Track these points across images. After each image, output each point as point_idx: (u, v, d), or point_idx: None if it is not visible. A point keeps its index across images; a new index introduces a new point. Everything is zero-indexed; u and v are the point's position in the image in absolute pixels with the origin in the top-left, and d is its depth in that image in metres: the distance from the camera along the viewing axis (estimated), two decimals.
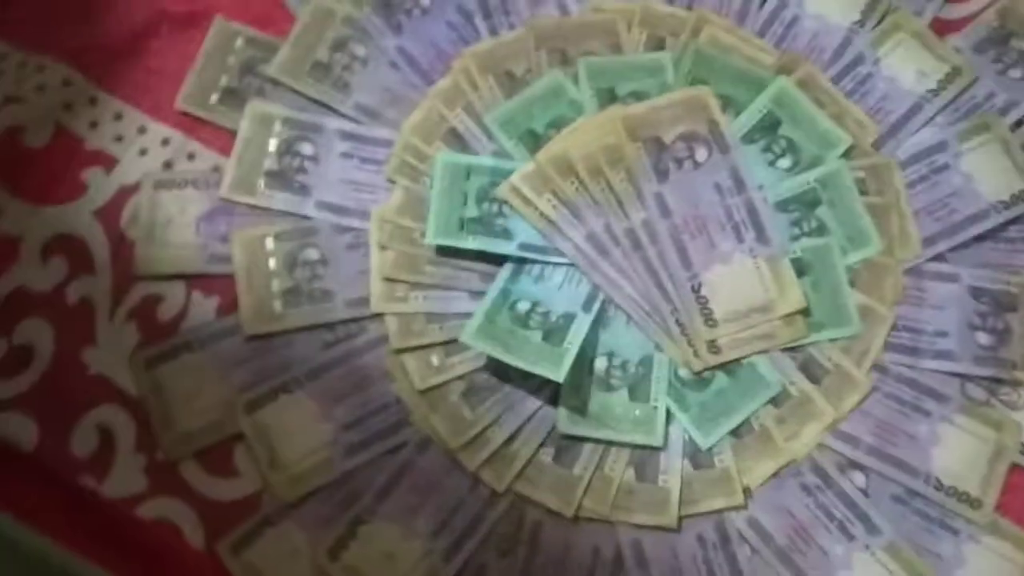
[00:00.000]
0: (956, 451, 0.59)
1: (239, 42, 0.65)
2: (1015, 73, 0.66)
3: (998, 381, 0.60)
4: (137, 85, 0.64)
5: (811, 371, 0.60)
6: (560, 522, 0.58)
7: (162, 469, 0.57)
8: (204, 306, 0.60)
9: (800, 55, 0.67)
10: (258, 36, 0.65)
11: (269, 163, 0.63)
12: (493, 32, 0.67)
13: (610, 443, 0.59)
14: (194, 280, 0.60)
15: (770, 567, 0.57)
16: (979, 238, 0.63)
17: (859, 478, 0.59)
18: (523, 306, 0.60)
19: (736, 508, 0.58)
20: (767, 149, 0.64)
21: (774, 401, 0.60)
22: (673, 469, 0.58)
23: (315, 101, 0.64)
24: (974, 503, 0.58)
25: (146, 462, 0.57)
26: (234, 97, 0.64)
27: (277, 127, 0.64)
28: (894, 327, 0.61)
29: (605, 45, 0.67)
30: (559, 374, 0.56)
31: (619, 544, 0.58)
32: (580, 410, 0.59)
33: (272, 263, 0.61)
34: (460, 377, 0.59)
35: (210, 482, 0.57)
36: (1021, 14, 0.67)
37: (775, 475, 0.59)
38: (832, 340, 0.61)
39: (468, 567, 0.57)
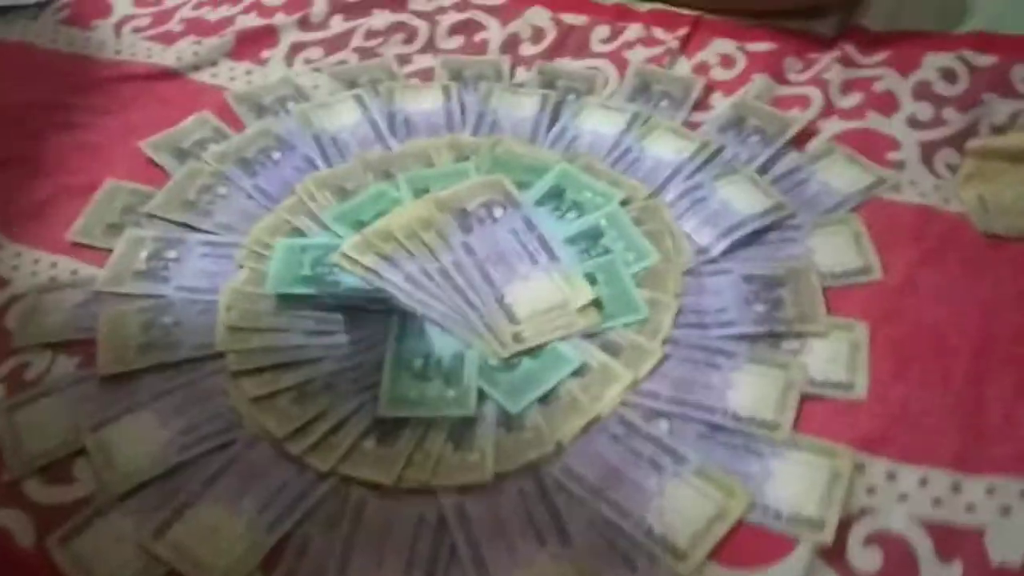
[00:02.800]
0: (749, 390, 0.64)
1: (123, 193, 0.81)
2: (753, 139, 0.82)
3: (778, 336, 0.67)
4: (39, 235, 0.78)
5: (610, 349, 0.67)
6: (385, 497, 0.60)
7: (3, 488, 0.60)
8: (66, 364, 0.68)
9: (582, 153, 0.83)
10: (139, 187, 0.81)
11: (138, 266, 0.75)
12: (330, 167, 0.83)
13: (428, 421, 0.63)
14: (60, 346, 0.69)
15: (586, 505, 0.59)
16: (746, 243, 0.74)
17: (663, 424, 0.63)
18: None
19: (549, 459, 0.61)
20: (556, 208, 0.78)
21: (578, 374, 0.66)
22: (487, 436, 0.62)
23: (182, 224, 0.78)
24: (771, 426, 0.62)
25: None
26: (116, 229, 0.78)
27: (148, 244, 0.76)
28: (680, 311, 0.69)
29: (421, 165, 0.83)
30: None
31: (442, 509, 0.59)
32: (399, 399, 0.64)
33: (130, 327, 0.70)
34: (289, 388, 0.65)
35: (47, 491, 0.60)
36: (749, 104, 0.85)
37: (585, 431, 0.63)
38: (626, 325, 0.68)
39: (292, 540, 0.58)
